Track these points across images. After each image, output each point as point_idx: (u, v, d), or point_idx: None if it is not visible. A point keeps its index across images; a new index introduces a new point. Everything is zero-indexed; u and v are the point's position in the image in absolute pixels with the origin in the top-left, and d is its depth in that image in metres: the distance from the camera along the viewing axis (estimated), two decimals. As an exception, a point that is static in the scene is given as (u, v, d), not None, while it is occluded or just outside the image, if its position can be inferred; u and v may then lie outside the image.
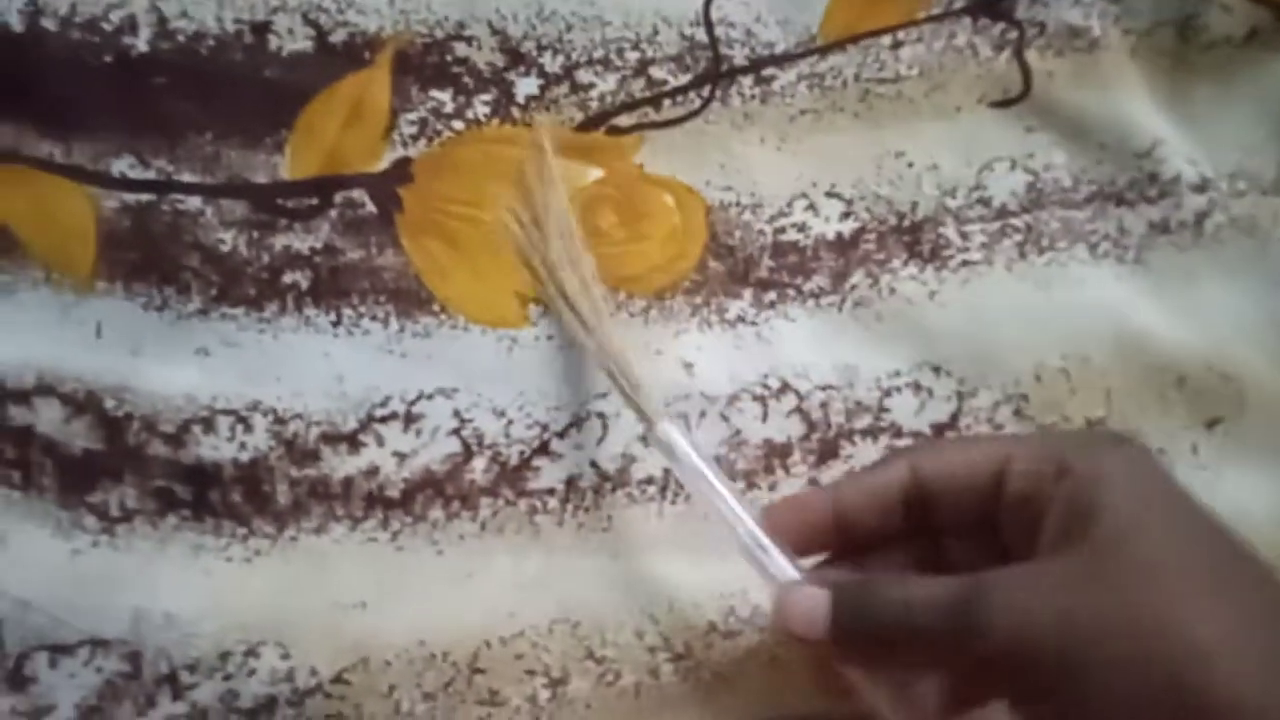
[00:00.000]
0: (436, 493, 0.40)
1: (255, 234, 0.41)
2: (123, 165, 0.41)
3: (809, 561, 0.36)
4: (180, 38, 0.42)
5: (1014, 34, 0.44)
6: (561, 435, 0.41)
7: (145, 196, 0.41)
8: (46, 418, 0.39)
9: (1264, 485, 0.40)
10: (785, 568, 0.34)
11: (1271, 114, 0.43)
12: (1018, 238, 0.43)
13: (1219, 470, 0.41)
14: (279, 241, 0.41)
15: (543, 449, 0.41)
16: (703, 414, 0.41)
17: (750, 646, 0.40)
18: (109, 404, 0.40)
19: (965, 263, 0.42)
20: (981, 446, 0.34)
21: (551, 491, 0.41)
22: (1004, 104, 0.44)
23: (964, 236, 0.43)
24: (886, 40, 0.44)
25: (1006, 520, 0.32)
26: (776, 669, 0.40)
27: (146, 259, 0.41)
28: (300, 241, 0.41)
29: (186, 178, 0.41)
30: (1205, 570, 0.29)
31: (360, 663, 0.39)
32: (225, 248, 0.41)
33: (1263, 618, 0.28)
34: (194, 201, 0.41)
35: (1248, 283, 0.42)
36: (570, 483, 0.41)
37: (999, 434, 0.41)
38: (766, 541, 0.35)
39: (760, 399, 0.42)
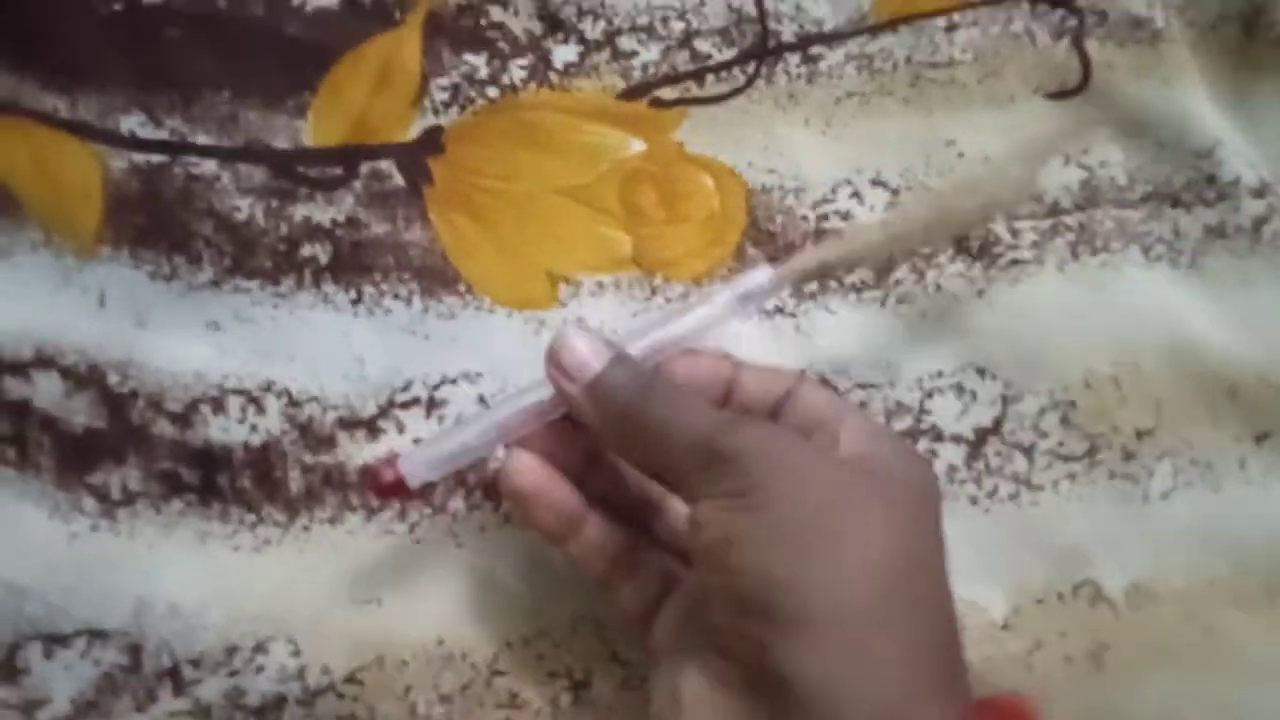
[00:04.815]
0: (457, 482, 0.38)
1: (273, 203, 0.39)
2: (132, 123, 0.38)
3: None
4: (196, -14, 0.39)
5: (1074, 21, 0.42)
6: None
7: (156, 157, 0.38)
8: (45, 392, 0.37)
9: (1315, 504, 0.39)
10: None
11: (1335, 118, 0.41)
12: (1070, 237, 0.41)
13: (1266, 485, 0.39)
14: (299, 212, 0.39)
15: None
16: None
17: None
18: (112, 379, 0.37)
19: (1015, 261, 0.41)
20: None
21: (580, 483, 0.39)
22: (1060, 95, 0.42)
23: (1014, 234, 0.41)
24: (940, 22, 0.42)
25: None
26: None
27: (156, 224, 0.38)
28: (321, 213, 0.39)
29: (201, 139, 0.38)
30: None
31: (375, 662, 0.37)
32: (241, 216, 0.38)
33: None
34: (209, 165, 0.38)
35: (1305, 293, 0.40)
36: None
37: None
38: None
39: (797, 395, 0.40)
